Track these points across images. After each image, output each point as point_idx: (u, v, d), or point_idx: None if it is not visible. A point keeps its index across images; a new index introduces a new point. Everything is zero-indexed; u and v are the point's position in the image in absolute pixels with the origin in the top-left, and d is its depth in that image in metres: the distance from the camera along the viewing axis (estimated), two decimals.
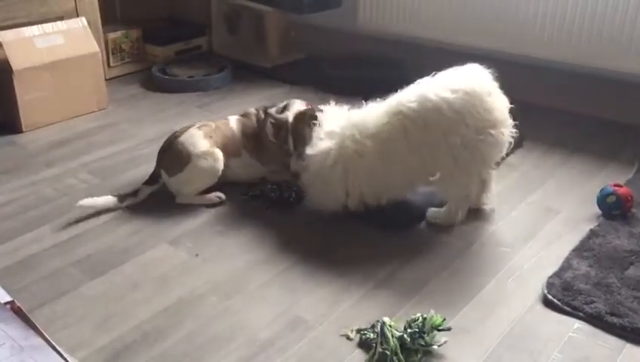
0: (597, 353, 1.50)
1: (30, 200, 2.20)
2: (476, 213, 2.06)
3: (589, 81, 2.74)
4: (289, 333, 1.57)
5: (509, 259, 1.85)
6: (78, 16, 2.97)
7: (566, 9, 2.62)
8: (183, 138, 2.14)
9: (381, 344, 1.48)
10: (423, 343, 1.48)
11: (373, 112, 1.95)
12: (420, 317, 1.52)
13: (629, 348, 1.52)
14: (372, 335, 1.52)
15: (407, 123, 1.87)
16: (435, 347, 1.49)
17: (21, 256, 1.89)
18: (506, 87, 1.91)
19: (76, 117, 2.88)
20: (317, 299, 1.70)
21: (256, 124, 2.22)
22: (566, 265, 1.78)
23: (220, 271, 1.82)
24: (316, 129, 2.00)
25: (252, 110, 2.26)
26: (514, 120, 1.92)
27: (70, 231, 2.01)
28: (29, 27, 2.74)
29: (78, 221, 2.06)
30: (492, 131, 1.85)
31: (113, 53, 3.37)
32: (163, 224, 2.04)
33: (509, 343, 1.53)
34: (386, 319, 1.55)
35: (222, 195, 2.16)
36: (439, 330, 1.50)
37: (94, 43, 2.91)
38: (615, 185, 2.02)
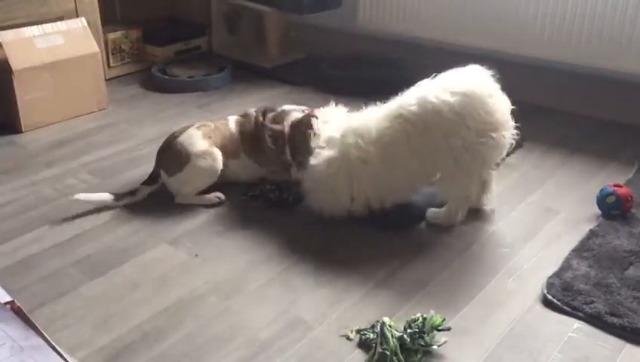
0: (597, 353, 1.50)
1: (30, 200, 2.20)
2: (476, 214, 2.06)
3: (588, 81, 2.74)
4: (289, 333, 1.57)
5: (508, 260, 1.85)
6: (78, 16, 2.97)
7: (566, 9, 2.62)
8: (181, 138, 2.14)
9: (381, 344, 1.48)
10: (422, 343, 1.48)
11: (374, 117, 1.95)
12: (420, 318, 1.52)
13: (629, 348, 1.52)
14: (372, 335, 1.52)
15: (408, 127, 1.87)
16: (434, 347, 1.49)
17: (21, 256, 1.89)
18: (506, 88, 1.91)
19: (76, 117, 2.88)
20: (317, 299, 1.70)
21: (254, 126, 2.21)
22: (566, 266, 1.78)
23: (220, 271, 1.82)
24: (314, 138, 2.00)
25: (252, 111, 2.26)
26: (515, 121, 1.92)
27: (70, 231, 2.01)
28: (28, 27, 2.74)
29: (78, 221, 2.06)
30: (493, 134, 1.85)
31: (113, 54, 3.38)
32: (163, 224, 2.05)
33: (508, 343, 1.54)
34: (386, 319, 1.55)
35: (221, 196, 2.16)
36: (439, 330, 1.50)
37: (94, 43, 2.91)
38: (615, 186, 2.03)
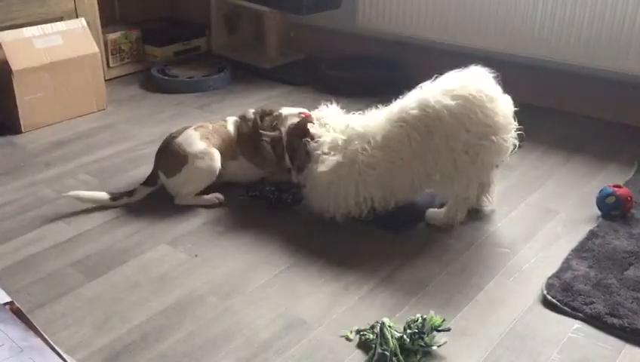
0: (596, 353, 1.50)
1: (30, 200, 2.20)
2: (476, 214, 2.06)
3: (588, 81, 2.74)
4: (288, 334, 1.57)
5: (508, 260, 1.85)
6: (77, 16, 2.97)
7: (566, 10, 2.62)
8: (180, 139, 2.14)
9: (380, 345, 1.48)
10: (422, 344, 1.48)
11: (377, 120, 1.95)
12: (420, 318, 1.52)
13: (629, 349, 1.52)
14: (371, 335, 1.52)
15: (409, 130, 1.88)
16: (434, 348, 1.49)
17: (20, 257, 1.88)
18: (506, 88, 1.91)
19: (76, 117, 2.88)
20: (316, 299, 1.70)
21: (252, 129, 2.20)
22: (565, 266, 1.78)
23: (220, 271, 1.82)
24: (313, 143, 1.99)
25: (250, 113, 2.24)
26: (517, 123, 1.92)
27: (70, 231, 2.01)
28: (28, 28, 2.74)
29: (77, 222, 2.06)
30: (493, 137, 1.85)
31: (112, 54, 3.38)
32: (162, 225, 2.04)
33: (508, 344, 1.53)
34: (386, 320, 1.55)
35: (221, 196, 2.16)
36: (439, 331, 1.50)
37: (94, 44, 2.91)
38: (614, 186, 2.03)
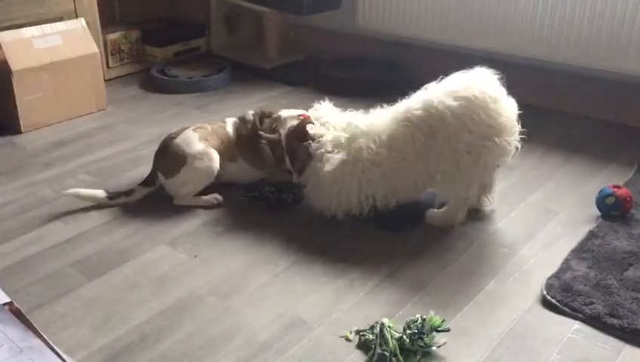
0: (596, 354, 1.50)
1: (29, 200, 2.20)
2: (476, 214, 2.06)
3: (588, 81, 2.74)
4: (288, 334, 1.57)
5: (508, 260, 1.85)
6: (77, 17, 2.97)
7: (565, 10, 2.62)
8: (178, 139, 2.14)
9: (380, 345, 1.48)
10: (422, 344, 1.48)
11: (382, 119, 1.96)
12: (420, 318, 1.52)
13: (628, 349, 1.52)
14: (371, 336, 1.52)
15: (413, 130, 1.88)
16: (434, 348, 1.49)
17: (20, 257, 1.88)
18: (506, 88, 1.91)
19: (75, 118, 2.88)
20: (316, 299, 1.70)
21: (252, 130, 2.19)
22: (565, 266, 1.78)
23: (219, 271, 1.81)
24: (314, 143, 1.99)
25: (250, 115, 2.24)
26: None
27: (69, 232, 2.01)
28: (27, 28, 2.74)
29: (77, 222, 2.06)
30: (496, 138, 1.85)
31: (112, 54, 3.37)
32: (161, 225, 2.04)
33: (508, 344, 1.53)
34: (385, 320, 1.55)
35: (219, 197, 2.16)
36: (438, 331, 1.50)
37: (93, 44, 2.91)
38: (614, 187, 2.03)
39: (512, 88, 1.92)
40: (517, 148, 1.93)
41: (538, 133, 2.56)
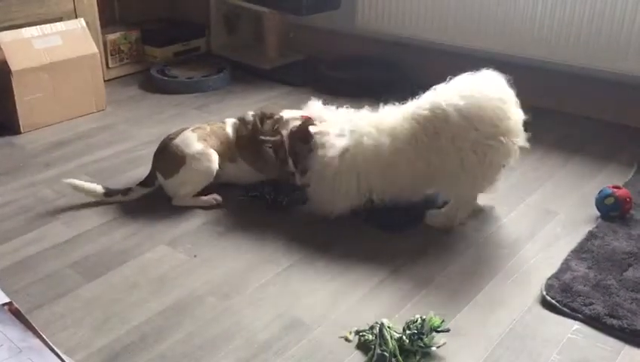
0: (596, 354, 1.50)
1: (29, 201, 2.20)
2: (476, 214, 2.06)
3: (588, 82, 2.74)
4: (287, 335, 1.57)
5: (508, 261, 1.85)
6: (76, 17, 2.97)
7: (565, 10, 2.62)
8: (177, 140, 2.14)
9: (380, 345, 1.48)
10: (421, 344, 1.48)
11: (391, 115, 1.97)
12: (419, 319, 1.52)
13: (628, 350, 1.52)
14: (371, 336, 1.52)
15: (417, 129, 1.89)
16: (433, 348, 1.49)
17: (19, 257, 1.88)
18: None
19: (75, 118, 2.88)
20: (316, 300, 1.70)
21: (252, 131, 2.19)
22: (565, 267, 1.78)
23: (219, 272, 1.81)
24: (314, 143, 2.00)
25: (250, 115, 2.24)
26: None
27: (68, 232, 2.01)
28: (27, 28, 2.74)
29: (76, 222, 2.06)
30: (502, 138, 1.86)
31: (112, 55, 3.37)
32: (161, 225, 2.04)
33: (507, 344, 1.53)
34: (385, 320, 1.55)
35: (218, 198, 2.15)
36: (438, 332, 1.50)
37: (93, 44, 2.91)
38: (613, 187, 2.03)
39: (511, 89, 1.92)
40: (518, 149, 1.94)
41: (538, 133, 2.54)
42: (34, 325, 1.48)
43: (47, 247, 1.93)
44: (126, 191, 2.15)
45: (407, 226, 2.01)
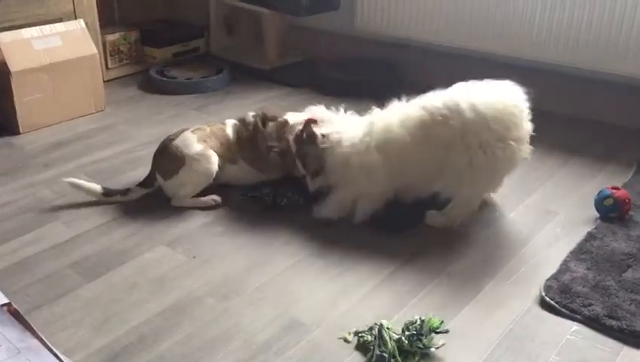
0: (595, 355, 1.50)
1: (28, 201, 2.20)
2: (475, 215, 2.06)
3: (587, 83, 2.75)
4: (286, 336, 1.57)
5: (507, 261, 1.85)
6: (76, 18, 2.97)
7: (564, 13, 2.62)
8: (177, 141, 2.14)
9: (379, 346, 1.48)
10: (420, 346, 1.48)
11: (403, 107, 1.98)
12: (418, 320, 1.52)
13: (627, 351, 1.52)
14: (370, 337, 1.52)
15: (427, 118, 1.89)
16: (432, 349, 1.49)
17: (18, 258, 1.88)
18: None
19: (74, 118, 2.88)
20: (315, 301, 1.70)
21: (253, 133, 2.19)
22: (564, 268, 1.78)
23: (218, 273, 1.81)
24: (321, 141, 2.01)
25: (250, 116, 2.23)
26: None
27: (68, 233, 2.00)
28: (26, 29, 2.74)
29: (75, 223, 2.06)
30: (512, 142, 1.87)
31: (111, 55, 3.37)
32: (160, 226, 2.04)
33: (506, 345, 1.53)
34: (384, 321, 1.55)
35: (217, 198, 2.15)
36: (437, 333, 1.50)
37: (92, 45, 2.91)
38: (613, 188, 2.03)
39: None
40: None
41: (538, 134, 2.55)
42: (33, 326, 1.48)
43: (47, 248, 1.93)
44: (125, 191, 2.15)
45: (407, 226, 2.01)
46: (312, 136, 2.02)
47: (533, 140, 1.95)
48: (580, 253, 1.84)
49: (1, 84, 2.68)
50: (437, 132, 1.89)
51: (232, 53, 3.59)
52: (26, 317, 1.51)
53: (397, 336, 1.50)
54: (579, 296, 1.66)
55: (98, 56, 2.93)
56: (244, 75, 3.39)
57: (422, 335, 1.49)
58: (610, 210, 2.00)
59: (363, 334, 1.54)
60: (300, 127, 2.07)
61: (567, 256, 1.83)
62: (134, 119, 2.89)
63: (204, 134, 2.17)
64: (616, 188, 2.03)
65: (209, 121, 2.31)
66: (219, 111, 2.93)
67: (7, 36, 2.68)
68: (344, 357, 1.50)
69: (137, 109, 3.01)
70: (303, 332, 1.58)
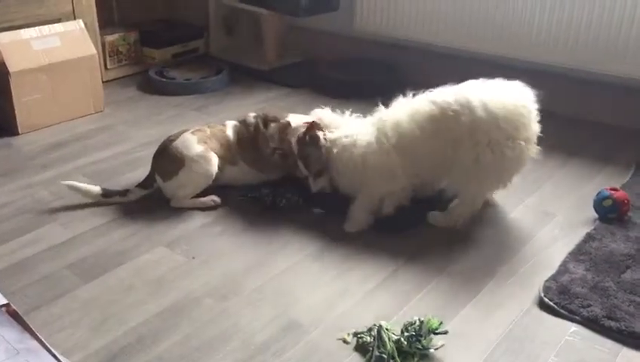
0: (593, 357, 1.50)
1: (26, 202, 2.19)
2: (474, 216, 2.06)
3: (586, 84, 2.75)
4: (285, 336, 1.57)
5: (506, 262, 1.85)
6: (75, 18, 2.97)
7: (563, 13, 2.63)
8: (177, 142, 2.14)
9: (378, 347, 1.48)
10: (420, 346, 1.48)
11: (412, 101, 1.98)
12: (417, 321, 1.52)
13: (626, 352, 1.52)
14: (369, 338, 1.52)
15: (436, 112, 1.89)
16: (432, 350, 1.49)
17: (17, 259, 1.88)
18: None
19: (73, 119, 2.88)
20: (314, 301, 1.69)
21: (254, 134, 2.19)
22: (563, 269, 1.78)
23: (216, 273, 1.81)
24: (324, 143, 2.01)
25: (251, 117, 2.23)
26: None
27: (66, 233, 2.00)
28: (26, 29, 2.74)
29: (73, 224, 2.05)
30: (521, 142, 1.87)
31: (110, 56, 3.37)
32: (159, 227, 2.04)
33: (505, 346, 1.53)
34: (383, 322, 1.55)
35: (217, 199, 2.15)
36: (436, 334, 1.50)
37: (91, 45, 2.91)
38: (611, 189, 2.03)
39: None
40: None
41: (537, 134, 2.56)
42: (31, 326, 1.48)
43: (45, 249, 1.93)
44: (124, 192, 2.15)
45: (407, 226, 2.01)
46: (315, 138, 2.03)
47: None
48: (578, 254, 1.84)
49: (0, 84, 2.68)
50: (446, 126, 1.89)
51: (232, 54, 3.59)
52: (25, 318, 1.52)
53: (396, 337, 1.50)
54: (578, 297, 1.66)
55: (97, 56, 2.93)
56: (243, 75, 3.39)
57: (421, 336, 1.48)
58: (609, 211, 2.00)
59: (362, 335, 1.54)
60: (303, 130, 2.07)
61: (566, 257, 1.83)
62: (133, 120, 2.89)
63: (205, 135, 2.16)
64: (615, 190, 2.03)
65: (208, 122, 2.31)
66: (218, 112, 2.93)
67: (6, 36, 2.68)
68: (343, 358, 1.50)
69: (136, 110, 3.01)
70: (302, 333, 1.58)
